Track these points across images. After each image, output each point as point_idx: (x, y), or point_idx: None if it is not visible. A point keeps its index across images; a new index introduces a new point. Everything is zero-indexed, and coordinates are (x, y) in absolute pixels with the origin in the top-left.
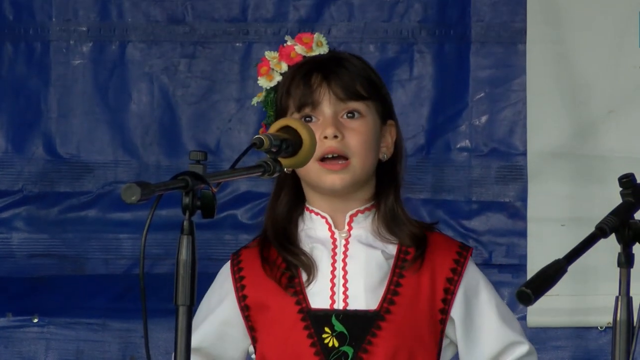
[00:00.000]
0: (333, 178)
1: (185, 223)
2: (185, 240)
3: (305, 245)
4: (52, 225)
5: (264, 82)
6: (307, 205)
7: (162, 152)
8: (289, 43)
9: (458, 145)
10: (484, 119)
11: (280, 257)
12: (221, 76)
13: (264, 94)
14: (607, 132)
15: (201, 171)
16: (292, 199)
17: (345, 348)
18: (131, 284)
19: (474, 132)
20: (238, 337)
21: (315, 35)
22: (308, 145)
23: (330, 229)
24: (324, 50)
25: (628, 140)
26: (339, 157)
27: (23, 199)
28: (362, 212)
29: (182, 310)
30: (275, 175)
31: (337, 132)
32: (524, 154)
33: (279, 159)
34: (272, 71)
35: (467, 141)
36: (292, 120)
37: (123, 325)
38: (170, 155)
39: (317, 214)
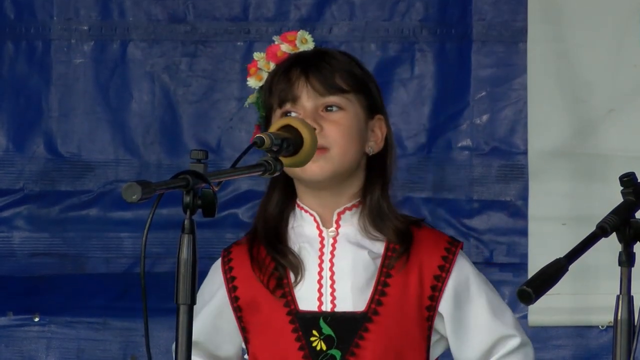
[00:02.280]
0: (313, 167)
1: (186, 222)
2: (186, 239)
3: (294, 243)
4: (53, 224)
5: (253, 82)
6: (298, 202)
7: (163, 151)
8: (275, 42)
9: (459, 144)
10: (485, 117)
11: (269, 256)
12: (222, 75)
13: (255, 94)
14: (608, 131)
15: (202, 170)
16: (284, 195)
17: (333, 351)
18: (132, 283)
19: (475, 131)
20: (232, 331)
21: (299, 33)
22: (309, 144)
23: (318, 227)
24: (308, 46)
25: (629, 139)
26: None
27: (24, 198)
28: (350, 209)
29: (183, 309)
30: (276, 174)
31: (314, 124)
32: (525, 152)
33: (280, 158)
34: (260, 71)
35: (468, 140)
36: (293, 119)
37: (124, 324)
38: (171, 154)
39: (306, 211)
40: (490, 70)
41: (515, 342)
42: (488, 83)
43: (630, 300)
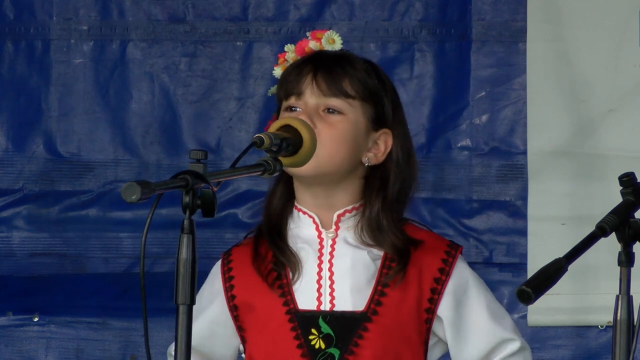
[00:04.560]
0: None
1: (186, 222)
2: (185, 239)
3: (293, 244)
4: (53, 224)
5: (278, 72)
6: (296, 204)
7: (162, 151)
8: (308, 37)
9: (459, 144)
10: (484, 117)
11: (270, 252)
12: (222, 75)
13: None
14: (608, 131)
15: (201, 170)
16: (287, 192)
17: (332, 350)
18: (131, 282)
19: (474, 131)
20: (228, 336)
21: (328, 33)
22: (308, 144)
23: (317, 228)
24: (335, 47)
25: (628, 139)
26: None
27: (23, 198)
28: (350, 211)
29: (182, 309)
30: (276, 174)
31: (307, 121)
32: (525, 152)
33: (280, 158)
34: (286, 62)
35: (467, 140)
36: (292, 119)
37: (123, 324)
38: (170, 154)
39: (304, 212)
40: (489, 70)
41: (514, 346)
42: (488, 83)
43: (629, 300)
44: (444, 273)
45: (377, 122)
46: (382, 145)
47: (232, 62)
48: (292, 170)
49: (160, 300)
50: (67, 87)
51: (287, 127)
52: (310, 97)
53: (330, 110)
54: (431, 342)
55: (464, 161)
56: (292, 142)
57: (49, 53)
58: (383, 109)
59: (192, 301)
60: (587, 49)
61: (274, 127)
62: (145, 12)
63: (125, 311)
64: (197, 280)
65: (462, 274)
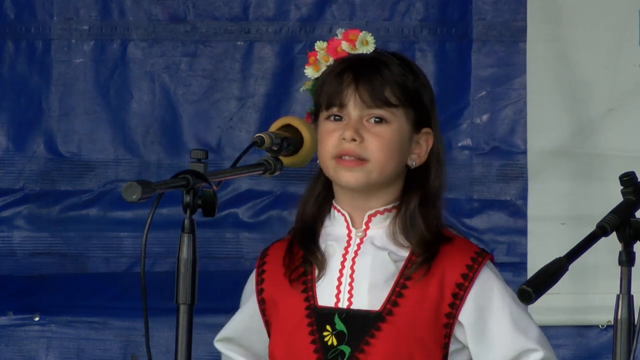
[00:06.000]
0: (348, 176)
1: (186, 221)
2: (186, 239)
3: (323, 241)
4: (53, 224)
5: (311, 72)
6: (333, 202)
7: (163, 151)
8: (338, 37)
9: (459, 144)
10: (485, 117)
11: (300, 252)
12: (222, 75)
13: (310, 82)
14: (607, 131)
15: (202, 170)
16: (324, 195)
17: (343, 347)
18: (132, 282)
19: (475, 130)
20: (262, 330)
21: (362, 34)
22: (309, 144)
23: (348, 227)
24: (368, 49)
25: (628, 139)
26: (357, 159)
27: (24, 198)
28: (382, 213)
29: (183, 309)
30: (276, 173)
31: (355, 135)
32: (525, 152)
33: (280, 157)
34: (318, 62)
35: (468, 140)
36: (293, 118)
37: (124, 324)
38: (171, 153)
39: (338, 211)
40: (490, 70)
41: (537, 356)
42: (488, 83)
43: (630, 299)
44: (467, 279)
45: (419, 123)
46: (424, 145)
47: (233, 62)
48: (338, 183)
49: (161, 300)
50: (67, 87)
51: (287, 127)
52: (354, 109)
53: (376, 120)
54: (454, 347)
55: (464, 161)
56: (292, 142)
57: (50, 53)
58: (423, 109)
59: (193, 301)
60: (586, 49)
61: (274, 126)
62: (146, 12)
63: (125, 311)
64: (197, 279)
65: (486, 282)
